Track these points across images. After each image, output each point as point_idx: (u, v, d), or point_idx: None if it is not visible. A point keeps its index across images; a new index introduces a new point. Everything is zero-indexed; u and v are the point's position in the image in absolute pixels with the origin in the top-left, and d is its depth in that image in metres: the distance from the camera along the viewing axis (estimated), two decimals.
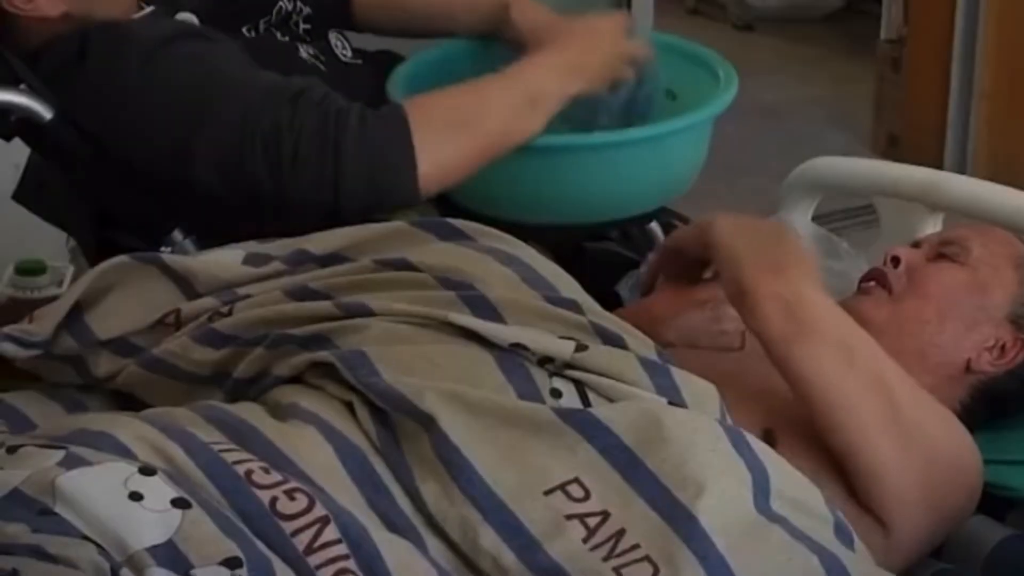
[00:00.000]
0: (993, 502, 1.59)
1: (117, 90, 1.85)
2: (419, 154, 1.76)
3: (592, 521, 1.30)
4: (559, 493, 1.31)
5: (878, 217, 2.11)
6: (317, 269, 1.59)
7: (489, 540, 1.29)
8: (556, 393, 1.40)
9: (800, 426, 1.51)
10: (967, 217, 1.92)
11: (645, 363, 1.43)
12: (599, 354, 1.43)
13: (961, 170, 3.86)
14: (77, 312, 1.60)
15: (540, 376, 1.41)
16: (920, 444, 1.47)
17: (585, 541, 1.28)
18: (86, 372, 1.60)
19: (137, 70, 1.83)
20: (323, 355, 1.43)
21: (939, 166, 3.79)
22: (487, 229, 1.62)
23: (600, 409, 1.37)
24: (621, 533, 1.29)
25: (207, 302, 1.56)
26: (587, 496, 1.31)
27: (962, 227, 1.82)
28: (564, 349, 1.42)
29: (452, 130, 1.81)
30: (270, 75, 1.84)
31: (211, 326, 1.53)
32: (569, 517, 1.30)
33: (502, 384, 1.40)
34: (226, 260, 1.63)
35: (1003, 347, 1.65)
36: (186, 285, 1.60)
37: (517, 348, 1.42)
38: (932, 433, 1.49)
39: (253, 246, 1.66)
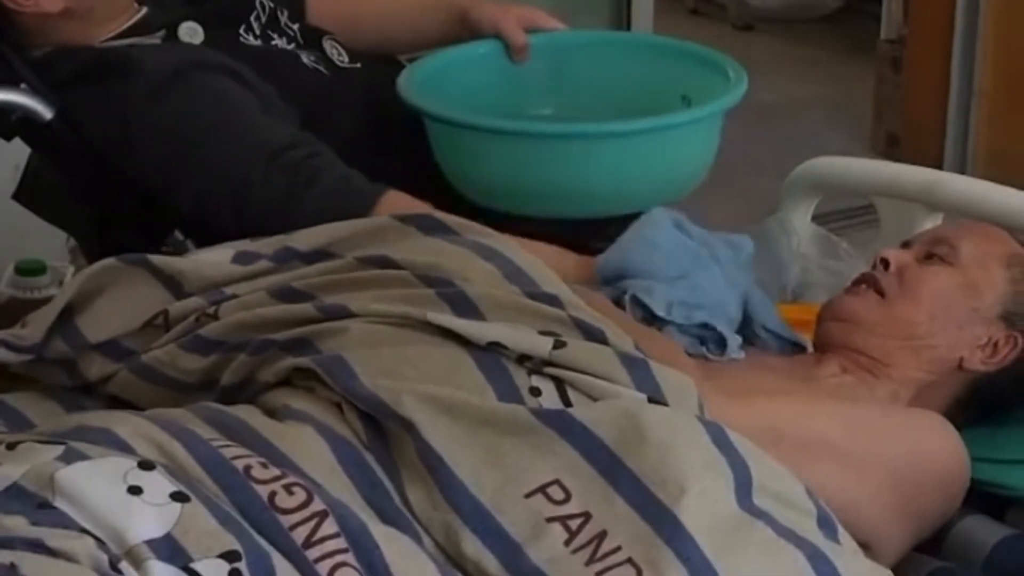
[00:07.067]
0: (992, 501, 1.60)
1: (119, 122, 1.87)
2: None
3: (574, 523, 1.29)
4: (539, 495, 1.31)
5: (878, 217, 2.11)
6: (303, 266, 1.59)
7: (472, 546, 1.29)
8: (535, 391, 1.40)
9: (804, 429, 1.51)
10: (966, 217, 1.92)
11: (624, 358, 1.42)
12: (577, 350, 1.41)
13: (961, 170, 3.86)
14: (68, 315, 1.60)
15: (519, 375, 1.41)
16: (878, 469, 1.47)
17: (567, 544, 1.28)
18: (79, 375, 1.60)
19: (140, 107, 1.85)
20: (304, 361, 1.43)
21: (939, 166, 3.79)
22: (470, 224, 1.61)
23: (579, 409, 1.37)
24: (603, 535, 1.28)
25: (194, 302, 1.56)
26: (568, 498, 1.31)
27: (953, 225, 1.83)
28: (542, 347, 1.41)
29: None
30: (257, 121, 1.86)
31: (198, 332, 1.52)
32: (550, 519, 1.29)
33: (482, 384, 1.39)
34: (215, 259, 1.64)
35: (995, 345, 1.65)
36: (175, 285, 1.60)
37: (495, 347, 1.42)
38: (887, 453, 1.49)
39: (243, 244, 1.67)
